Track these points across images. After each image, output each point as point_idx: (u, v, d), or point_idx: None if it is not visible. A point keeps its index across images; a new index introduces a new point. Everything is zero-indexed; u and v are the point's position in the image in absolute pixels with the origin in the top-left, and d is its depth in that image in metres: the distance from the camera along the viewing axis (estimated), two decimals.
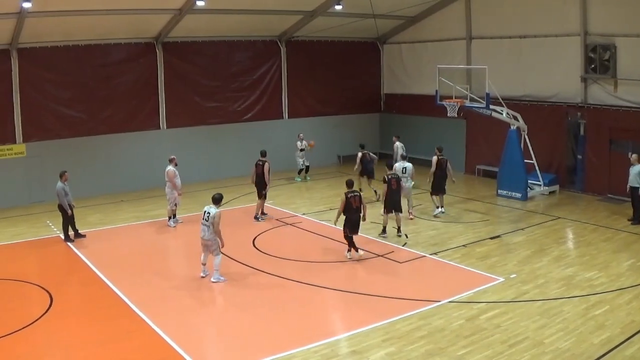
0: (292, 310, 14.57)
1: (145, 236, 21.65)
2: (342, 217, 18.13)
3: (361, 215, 18.12)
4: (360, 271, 17.20)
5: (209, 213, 16.46)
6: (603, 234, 20.25)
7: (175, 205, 22.63)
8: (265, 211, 23.41)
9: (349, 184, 18.30)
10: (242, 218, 23.38)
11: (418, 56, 33.80)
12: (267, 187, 22.93)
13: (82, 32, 25.95)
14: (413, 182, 23.13)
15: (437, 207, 23.25)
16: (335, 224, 18.55)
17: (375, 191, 25.56)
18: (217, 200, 16.73)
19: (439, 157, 23.10)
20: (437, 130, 31.98)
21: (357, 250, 18.12)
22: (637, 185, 21.12)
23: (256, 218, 22.94)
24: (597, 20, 24.94)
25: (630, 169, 21.26)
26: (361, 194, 18.46)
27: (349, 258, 18.07)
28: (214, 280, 16.46)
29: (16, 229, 21.53)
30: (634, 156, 21.21)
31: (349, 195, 17.88)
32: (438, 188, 23.22)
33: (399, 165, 22.59)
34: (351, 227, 18.02)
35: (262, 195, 22.91)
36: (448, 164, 23.07)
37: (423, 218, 22.52)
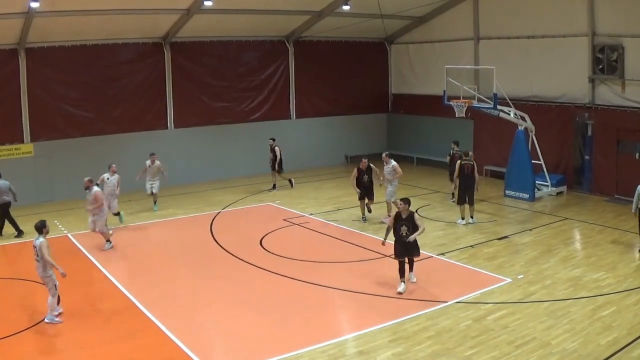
0: (300, 310, 14.58)
1: (152, 236, 21.70)
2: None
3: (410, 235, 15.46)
4: (367, 272, 17.16)
5: (34, 246, 14.06)
6: (610, 234, 20.20)
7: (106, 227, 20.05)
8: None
9: (405, 201, 15.72)
10: (248, 218, 23.41)
11: (426, 56, 33.76)
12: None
13: (90, 32, 26.03)
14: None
15: (462, 218, 22.07)
16: (384, 242, 16.47)
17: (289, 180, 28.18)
18: (39, 228, 14.11)
19: (462, 162, 21.84)
20: (444, 130, 31.94)
21: (402, 282, 15.54)
22: None
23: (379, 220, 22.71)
24: (604, 21, 24.89)
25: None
26: (413, 211, 15.84)
27: (399, 292, 15.35)
28: (47, 321, 13.93)
29: (23, 228, 21.55)
30: None
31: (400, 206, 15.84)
32: (461, 198, 21.94)
33: None
34: (399, 248, 15.73)
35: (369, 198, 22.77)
36: (474, 170, 21.78)
37: (429, 219, 22.49)
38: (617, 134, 25.00)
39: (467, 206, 21.83)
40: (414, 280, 16.07)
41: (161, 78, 29.11)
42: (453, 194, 24.02)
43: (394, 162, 22.13)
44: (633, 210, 18.43)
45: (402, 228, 15.45)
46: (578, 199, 25.39)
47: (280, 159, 27.95)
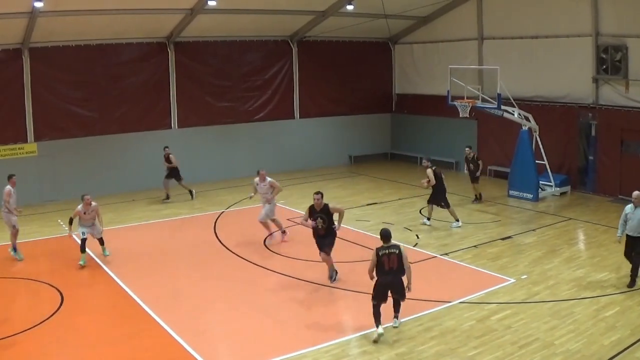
0: (303, 310, 14.59)
1: (156, 236, 21.71)
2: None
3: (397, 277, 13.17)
4: None
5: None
6: (614, 235, 19.96)
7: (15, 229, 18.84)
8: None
9: (385, 235, 13.30)
10: (252, 218, 23.40)
11: (430, 56, 33.75)
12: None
13: (94, 32, 26.06)
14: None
15: (428, 218, 21.91)
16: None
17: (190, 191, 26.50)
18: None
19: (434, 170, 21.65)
20: (448, 130, 32.03)
21: (377, 326, 12.91)
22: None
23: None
24: (608, 21, 24.85)
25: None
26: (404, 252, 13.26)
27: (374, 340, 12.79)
28: None
29: (27, 228, 21.63)
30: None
31: (380, 253, 13.16)
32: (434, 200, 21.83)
33: None
34: (377, 291, 13.20)
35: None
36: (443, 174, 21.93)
37: (432, 218, 22.48)
38: (621, 134, 24.97)
39: (435, 207, 21.89)
40: (397, 325, 13.43)
41: (165, 78, 29.14)
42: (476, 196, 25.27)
43: (269, 179, 20.07)
44: (619, 235, 15.87)
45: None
46: (582, 199, 25.37)
47: (176, 167, 26.06)
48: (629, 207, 15.54)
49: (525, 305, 14.44)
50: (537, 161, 25.26)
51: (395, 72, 36.49)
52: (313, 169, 32.49)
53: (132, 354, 12.44)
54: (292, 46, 32.79)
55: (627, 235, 15.59)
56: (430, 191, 21.92)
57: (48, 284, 16.10)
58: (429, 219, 21.91)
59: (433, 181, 21.44)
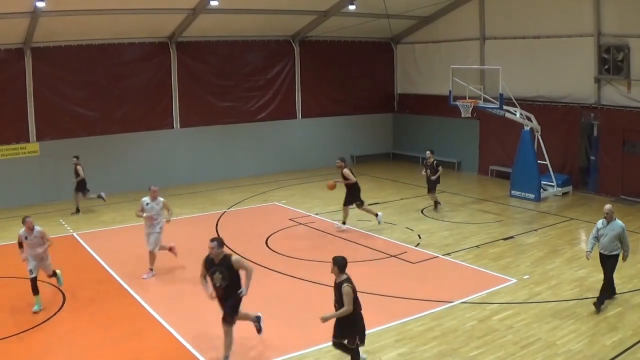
0: (305, 310, 14.58)
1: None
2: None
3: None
4: (373, 272, 17.16)
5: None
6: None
7: None
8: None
9: (340, 264, 11.08)
10: (254, 218, 23.44)
11: (431, 56, 33.75)
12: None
13: (96, 32, 26.10)
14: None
15: (344, 222, 21.49)
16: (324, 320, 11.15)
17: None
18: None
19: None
20: (450, 130, 32.05)
21: None
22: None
23: None
24: (610, 21, 24.85)
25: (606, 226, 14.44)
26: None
27: None
28: None
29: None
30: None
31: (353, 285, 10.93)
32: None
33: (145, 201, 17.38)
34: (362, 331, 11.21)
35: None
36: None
37: (435, 219, 22.49)
38: (623, 134, 24.96)
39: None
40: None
41: (167, 78, 29.15)
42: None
43: (162, 198, 17.51)
44: (588, 251, 14.59)
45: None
46: (584, 200, 25.37)
47: (83, 179, 24.29)
48: (600, 222, 14.40)
49: (527, 306, 14.44)
50: (539, 161, 25.29)
51: (397, 72, 36.50)
52: (315, 169, 32.48)
53: (133, 354, 12.45)
54: (294, 46, 32.79)
55: (599, 253, 14.39)
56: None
57: (50, 284, 16.09)
58: (344, 223, 21.43)
59: (353, 179, 20.99)
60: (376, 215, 21.32)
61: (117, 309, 14.89)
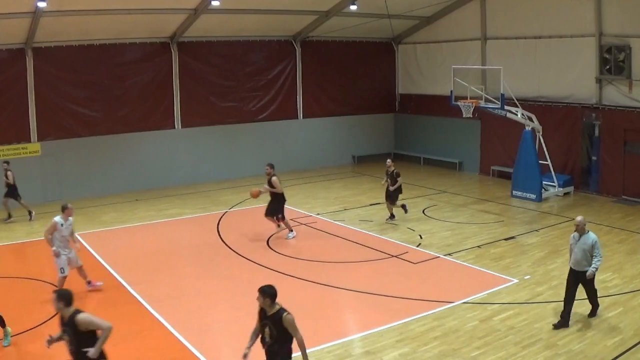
0: (306, 310, 14.55)
1: (159, 235, 21.71)
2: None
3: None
4: (374, 272, 17.18)
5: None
6: (617, 235, 20.17)
7: None
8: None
9: (271, 295, 10.23)
10: (255, 218, 23.42)
11: (433, 56, 33.74)
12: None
13: (98, 32, 26.09)
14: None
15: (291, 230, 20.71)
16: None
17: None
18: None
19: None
20: (451, 130, 32.07)
21: None
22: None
23: None
24: (612, 21, 24.83)
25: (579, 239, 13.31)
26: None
27: None
28: None
29: (31, 228, 21.67)
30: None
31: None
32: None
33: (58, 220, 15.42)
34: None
35: None
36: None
37: (436, 219, 22.49)
38: (624, 134, 24.93)
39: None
40: None
41: (168, 78, 29.15)
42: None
43: (72, 218, 15.89)
44: (571, 264, 13.49)
45: (265, 330, 10.12)
46: (585, 200, 25.35)
47: (14, 184, 23.13)
48: (572, 236, 13.41)
49: (528, 306, 14.44)
50: (540, 161, 25.27)
51: (398, 72, 36.48)
52: (316, 169, 32.53)
53: (135, 354, 12.45)
54: (295, 46, 32.79)
55: (570, 269, 13.52)
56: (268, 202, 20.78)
57: (51, 283, 16.10)
58: (291, 230, 20.74)
59: (280, 189, 20.17)
60: (290, 230, 20.64)
61: (117, 308, 14.88)
